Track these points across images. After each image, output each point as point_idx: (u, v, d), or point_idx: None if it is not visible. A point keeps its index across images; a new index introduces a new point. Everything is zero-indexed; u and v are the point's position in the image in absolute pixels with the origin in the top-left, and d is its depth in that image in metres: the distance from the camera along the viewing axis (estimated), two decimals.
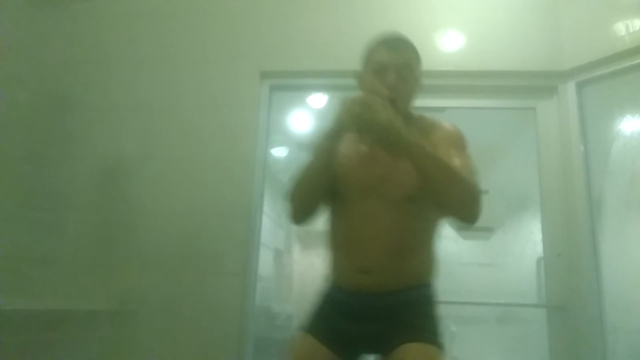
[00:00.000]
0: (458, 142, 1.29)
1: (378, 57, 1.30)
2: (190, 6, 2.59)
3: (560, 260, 2.17)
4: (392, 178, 1.25)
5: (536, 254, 2.30)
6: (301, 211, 1.34)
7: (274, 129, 2.60)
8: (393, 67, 1.26)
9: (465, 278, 2.55)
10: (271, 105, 2.50)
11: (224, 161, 2.34)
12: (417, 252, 1.29)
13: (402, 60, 1.28)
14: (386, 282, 1.25)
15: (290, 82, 2.52)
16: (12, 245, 2.21)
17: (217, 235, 2.26)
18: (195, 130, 2.40)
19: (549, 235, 2.24)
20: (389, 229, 1.25)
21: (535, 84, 2.36)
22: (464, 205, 1.16)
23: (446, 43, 2.39)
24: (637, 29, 2.04)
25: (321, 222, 1.40)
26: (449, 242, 2.62)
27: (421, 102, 1.42)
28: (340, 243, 1.32)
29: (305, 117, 4.27)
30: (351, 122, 1.12)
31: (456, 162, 1.20)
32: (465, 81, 2.37)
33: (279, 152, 5.00)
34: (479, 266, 2.74)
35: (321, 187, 1.30)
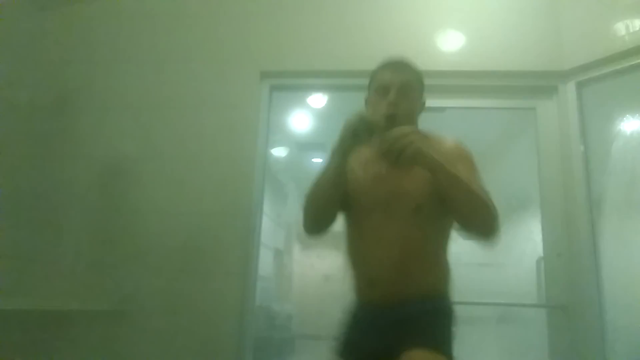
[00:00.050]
0: (468, 160, 1.33)
1: (380, 78, 1.38)
2: (190, 6, 2.59)
3: (560, 260, 2.17)
4: (397, 192, 1.30)
5: (536, 254, 2.30)
6: (313, 223, 1.41)
7: (274, 129, 2.60)
8: (394, 86, 1.33)
9: (465, 278, 2.55)
10: (271, 105, 2.49)
11: (224, 161, 2.34)
12: (424, 263, 1.31)
13: (402, 79, 1.35)
14: (394, 294, 1.28)
15: (290, 82, 2.52)
16: (12, 245, 2.21)
17: (217, 235, 2.26)
18: (195, 130, 2.40)
19: (549, 235, 2.24)
20: (395, 242, 1.29)
21: (535, 84, 2.36)
22: (485, 226, 1.24)
23: (446, 43, 2.39)
24: (637, 29, 2.04)
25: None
26: (449, 242, 2.61)
27: None
28: (354, 256, 1.38)
29: (305, 117, 4.27)
30: (387, 150, 1.16)
31: (472, 182, 1.24)
32: (465, 81, 2.37)
33: (279, 152, 5.01)
34: (479, 266, 2.73)
35: (331, 202, 1.35)
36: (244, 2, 2.57)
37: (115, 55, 2.57)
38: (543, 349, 2.16)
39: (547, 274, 2.21)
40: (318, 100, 3.16)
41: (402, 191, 1.29)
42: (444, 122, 2.20)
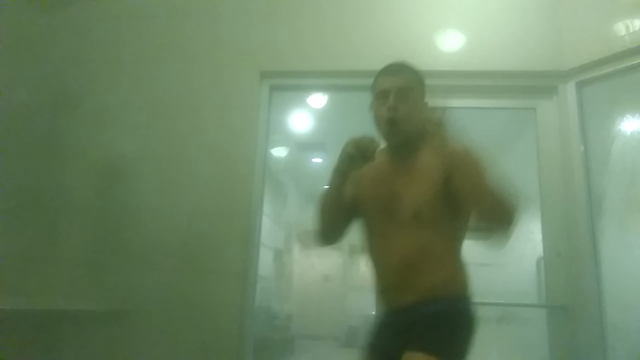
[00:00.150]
0: (478, 161, 1.34)
1: (380, 84, 1.42)
2: (190, 6, 2.59)
3: (560, 260, 2.17)
4: (400, 199, 1.36)
5: (536, 254, 2.30)
6: (323, 237, 1.52)
7: (274, 129, 2.60)
8: (393, 90, 1.37)
9: None
10: (271, 105, 2.50)
11: (224, 161, 2.34)
12: (431, 267, 1.32)
13: (400, 83, 1.39)
14: (404, 298, 1.33)
15: (290, 82, 2.52)
16: (12, 245, 2.21)
17: (217, 235, 2.26)
18: (195, 130, 2.40)
19: (549, 235, 2.24)
20: (401, 247, 1.34)
21: (535, 84, 2.36)
22: (504, 221, 1.27)
23: (446, 43, 2.39)
24: (637, 29, 2.04)
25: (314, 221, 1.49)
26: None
27: None
28: (370, 264, 1.46)
29: (305, 117, 4.28)
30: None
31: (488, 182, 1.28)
32: (465, 81, 2.37)
33: (279, 152, 5.01)
34: (478, 266, 2.73)
35: (335, 217, 1.46)
36: (244, 2, 2.57)
37: (115, 55, 2.57)
38: (543, 349, 2.16)
39: (547, 274, 2.21)
40: (318, 100, 3.17)
41: (400, 199, 1.36)
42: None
